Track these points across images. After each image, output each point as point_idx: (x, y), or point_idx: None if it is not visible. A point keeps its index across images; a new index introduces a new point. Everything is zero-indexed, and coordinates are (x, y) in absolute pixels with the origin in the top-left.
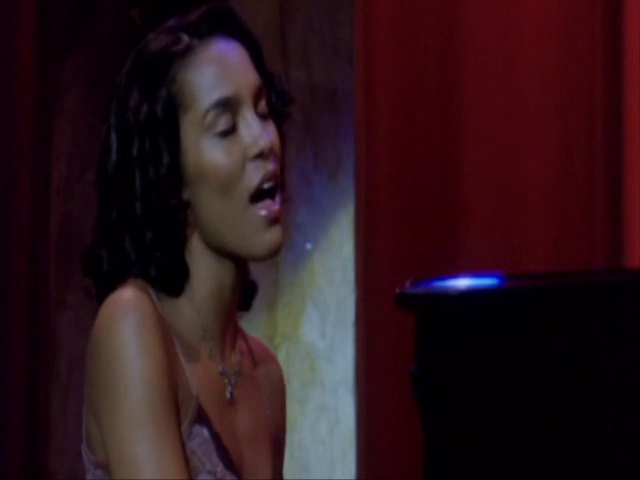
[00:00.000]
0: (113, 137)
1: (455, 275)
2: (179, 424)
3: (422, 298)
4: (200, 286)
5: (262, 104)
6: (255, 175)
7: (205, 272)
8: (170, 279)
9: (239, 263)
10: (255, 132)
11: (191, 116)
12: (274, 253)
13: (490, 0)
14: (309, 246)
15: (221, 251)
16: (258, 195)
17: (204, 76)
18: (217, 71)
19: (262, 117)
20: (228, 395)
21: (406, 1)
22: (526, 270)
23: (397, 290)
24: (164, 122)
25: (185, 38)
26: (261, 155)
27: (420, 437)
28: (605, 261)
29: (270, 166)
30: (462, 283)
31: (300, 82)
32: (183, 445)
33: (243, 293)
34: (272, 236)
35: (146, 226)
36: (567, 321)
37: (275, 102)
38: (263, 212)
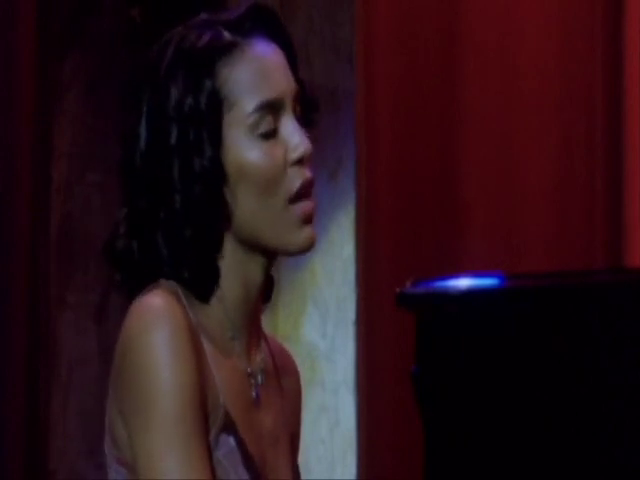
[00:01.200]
0: (143, 125)
1: (455, 275)
2: (208, 435)
3: (422, 298)
4: (230, 287)
5: (298, 109)
6: (295, 180)
7: (235, 272)
8: (202, 283)
9: (268, 261)
10: (297, 137)
11: (234, 113)
12: (309, 249)
13: (490, 0)
14: None
15: (255, 248)
16: (296, 198)
17: (249, 75)
18: (262, 72)
19: (298, 122)
20: (254, 395)
21: (406, 1)
22: (526, 270)
23: (397, 290)
24: (208, 115)
25: (227, 35)
26: (301, 161)
27: (420, 437)
28: (605, 261)
29: (308, 173)
30: (462, 283)
31: None
32: (211, 457)
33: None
34: (308, 233)
35: (185, 222)
36: (567, 321)
37: (304, 109)
38: (300, 211)
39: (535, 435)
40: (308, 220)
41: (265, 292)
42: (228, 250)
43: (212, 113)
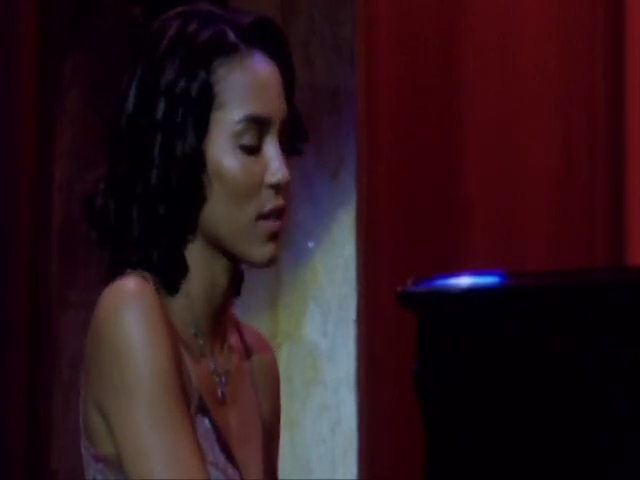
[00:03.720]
0: (133, 90)
1: (456, 274)
2: (189, 410)
3: (423, 296)
4: (196, 284)
5: (284, 136)
6: (267, 202)
7: (201, 270)
8: (170, 269)
9: (232, 265)
10: (277, 163)
11: (222, 115)
12: (271, 264)
13: (490, 0)
14: (311, 245)
15: (220, 250)
16: (265, 216)
17: (244, 84)
18: (257, 86)
19: (282, 148)
20: (219, 394)
21: (407, 1)
22: (527, 269)
23: (398, 289)
24: (197, 102)
25: (232, 36)
26: (277, 187)
27: (421, 436)
28: (606, 260)
29: (281, 202)
30: (463, 282)
31: (302, 81)
32: (195, 431)
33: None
34: (272, 249)
35: (160, 199)
36: (568, 320)
37: (292, 137)
38: (267, 228)
39: (535, 435)
40: (273, 237)
41: (234, 288)
42: (195, 247)
43: (201, 102)
